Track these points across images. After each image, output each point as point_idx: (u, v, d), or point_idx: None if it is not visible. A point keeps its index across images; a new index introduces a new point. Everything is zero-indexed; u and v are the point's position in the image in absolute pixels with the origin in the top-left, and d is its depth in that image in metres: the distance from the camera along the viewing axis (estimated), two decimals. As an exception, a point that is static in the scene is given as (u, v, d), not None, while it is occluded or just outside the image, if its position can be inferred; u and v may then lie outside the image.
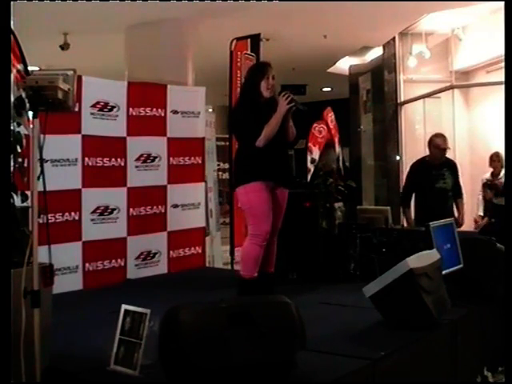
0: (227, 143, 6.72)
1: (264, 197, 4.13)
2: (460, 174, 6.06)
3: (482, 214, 7.20)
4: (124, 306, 2.89)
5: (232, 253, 6.26)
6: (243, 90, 4.40)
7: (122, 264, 5.36)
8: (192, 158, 5.97)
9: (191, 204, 5.98)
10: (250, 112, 4.16)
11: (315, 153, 6.54)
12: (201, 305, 2.71)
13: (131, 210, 5.44)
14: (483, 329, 3.90)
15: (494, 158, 7.25)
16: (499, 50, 5.69)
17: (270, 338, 2.54)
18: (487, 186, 7.11)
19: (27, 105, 2.69)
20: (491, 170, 7.30)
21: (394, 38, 9.25)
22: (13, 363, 2.41)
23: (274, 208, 4.21)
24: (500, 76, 6.10)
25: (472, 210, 7.55)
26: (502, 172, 7.07)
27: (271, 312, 2.64)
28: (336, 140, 6.74)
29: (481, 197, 7.27)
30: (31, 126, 2.63)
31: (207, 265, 6.24)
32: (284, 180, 4.31)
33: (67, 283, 4.69)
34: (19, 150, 2.99)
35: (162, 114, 5.73)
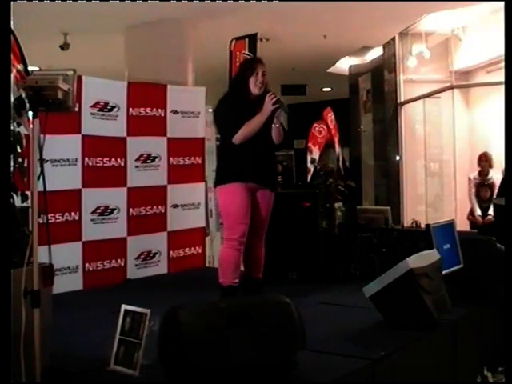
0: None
1: (241, 200, 3.89)
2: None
3: (480, 213, 7.21)
4: (124, 306, 2.89)
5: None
6: (232, 85, 4.16)
7: (122, 264, 5.36)
8: (192, 157, 5.97)
9: (191, 204, 5.98)
10: (233, 108, 3.94)
11: (315, 153, 6.54)
12: (201, 305, 2.72)
13: (131, 210, 5.44)
14: (483, 329, 3.90)
15: (482, 158, 7.35)
16: (499, 49, 5.67)
17: (270, 338, 2.54)
18: (486, 186, 7.16)
19: (27, 105, 2.68)
20: (479, 169, 7.37)
21: (394, 38, 9.25)
22: (13, 363, 2.41)
23: (256, 211, 3.99)
24: (500, 76, 6.10)
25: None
26: (491, 172, 7.18)
27: (271, 312, 2.64)
28: (336, 140, 6.74)
29: (474, 196, 7.30)
30: (31, 126, 2.63)
31: (207, 265, 6.23)
32: (268, 182, 4.07)
33: (67, 283, 4.69)
34: (19, 150, 2.99)
35: (162, 114, 5.73)
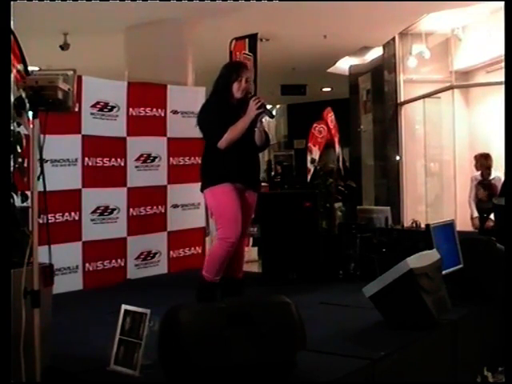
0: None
1: (233, 198, 3.97)
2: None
3: (477, 214, 7.18)
4: (124, 306, 2.89)
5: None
6: (215, 87, 4.16)
7: (122, 264, 5.35)
8: (192, 158, 5.96)
9: (191, 204, 5.98)
10: (217, 111, 4.02)
11: (315, 153, 6.54)
12: (201, 305, 2.72)
13: (131, 210, 5.44)
14: (483, 329, 3.90)
15: (475, 159, 7.27)
16: (499, 49, 5.69)
17: (270, 338, 2.54)
18: (482, 185, 7.12)
19: (27, 105, 2.68)
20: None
21: (394, 38, 9.26)
22: (13, 363, 2.41)
23: (243, 212, 4.04)
24: (500, 76, 6.11)
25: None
26: (493, 173, 7.09)
27: (271, 312, 2.64)
28: (336, 140, 6.73)
29: (472, 198, 7.25)
30: (31, 126, 2.63)
31: (207, 265, 6.23)
32: (253, 183, 4.18)
33: (67, 283, 4.69)
34: (19, 150, 2.99)
35: (162, 114, 5.73)
